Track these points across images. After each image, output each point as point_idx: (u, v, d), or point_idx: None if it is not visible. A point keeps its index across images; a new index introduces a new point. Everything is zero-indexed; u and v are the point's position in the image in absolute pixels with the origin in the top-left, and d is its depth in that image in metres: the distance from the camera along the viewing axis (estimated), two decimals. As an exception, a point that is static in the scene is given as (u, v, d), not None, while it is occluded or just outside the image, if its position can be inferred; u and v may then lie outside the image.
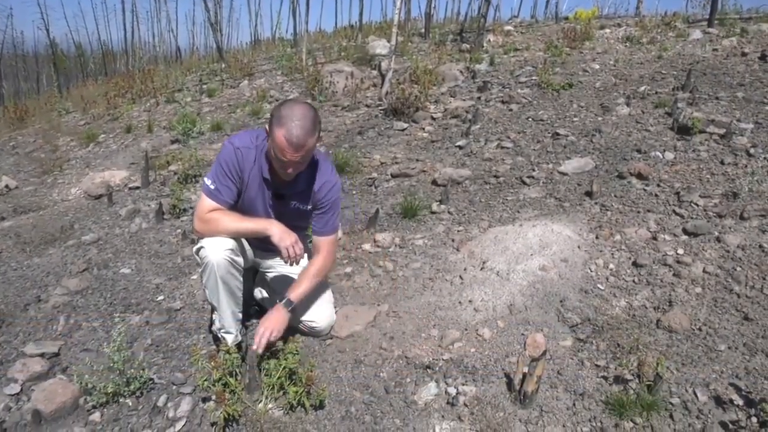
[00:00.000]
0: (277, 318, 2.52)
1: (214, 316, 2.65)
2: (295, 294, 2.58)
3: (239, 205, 2.54)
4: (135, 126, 8.12)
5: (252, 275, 2.99)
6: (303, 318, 2.78)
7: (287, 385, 2.39)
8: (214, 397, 2.30)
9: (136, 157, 6.53)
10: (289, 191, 2.57)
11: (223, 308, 2.55)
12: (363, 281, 3.34)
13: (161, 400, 2.50)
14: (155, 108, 9.28)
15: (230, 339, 2.63)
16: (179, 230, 4.38)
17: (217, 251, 2.40)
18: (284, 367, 2.40)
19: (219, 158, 2.46)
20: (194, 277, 3.63)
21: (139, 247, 4.21)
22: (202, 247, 2.43)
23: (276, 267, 2.89)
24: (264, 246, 2.77)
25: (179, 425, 2.36)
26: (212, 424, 2.33)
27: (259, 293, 3.06)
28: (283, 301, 2.56)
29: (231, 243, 2.44)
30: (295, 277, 2.81)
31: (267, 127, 2.38)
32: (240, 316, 2.66)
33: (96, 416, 2.43)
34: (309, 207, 2.63)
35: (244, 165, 2.46)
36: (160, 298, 3.43)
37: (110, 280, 3.70)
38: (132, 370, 2.55)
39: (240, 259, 2.51)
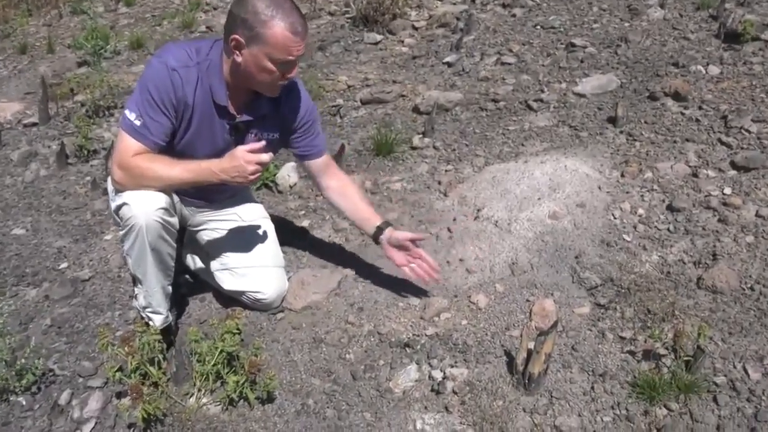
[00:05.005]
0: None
1: (137, 289, 2.58)
2: (377, 215, 2.78)
3: (175, 147, 2.42)
4: (31, 45, 7.91)
5: (178, 234, 2.88)
6: (245, 288, 2.74)
7: (225, 373, 2.36)
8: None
9: (33, 85, 6.36)
10: (251, 117, 2.48)
11: (152, 283, 2.48)
12: (324, 237, 3.30)
13: (63, 397, 2.46)
14: (57, 21, 9.02)
15: (159, 320, 2.57)
16: (88, 178, 4.28)
17: (147, 210, 2.29)
18: (221, 351, 2.35)
19: (145, 82, 2.29)
20: (107, 237, 3.58)
21: (36, 200, 4.13)
22: (125, 204, 2.30)
23: (210, 224, 2.83)
24: (197, 195, 2.70)
25: (87, 428, 2.33)
26: (129, 426, 2.30)
27: (192, 261, 3.01)
28: (379, 229, 2.70)
29: (163, 199, 2.33)
30: (233, 234, 2.79)
31: (234, 35, 2.24)
32: (170, 290, 2.60)
33: (-22, 419, 2.39)
34: (276, 135, 2.58)
35: (185, 91, 2.31)
36: (64, 265, 3.37)
37: (-2, 244, 3.63)
38: (24, 360, 2.50)
39: (175, 220, 2.43)
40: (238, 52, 2.26)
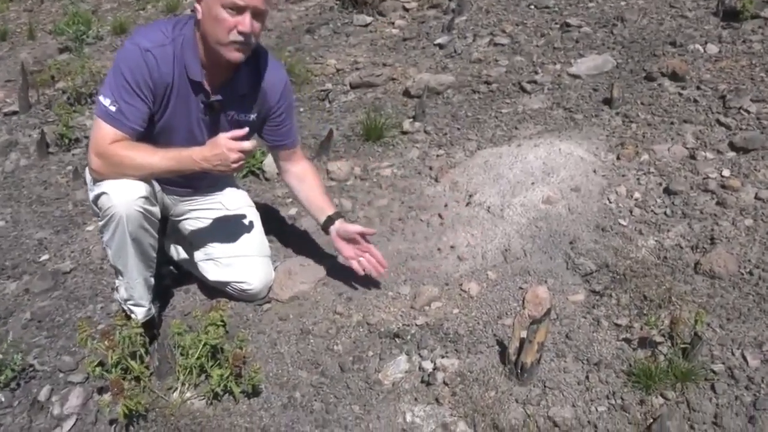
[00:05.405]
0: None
1: (118, 281, 2.55)
2: (331, 205, 2.77)
3: (152, 133, 2.38)
4: (12, 31, 7.86)
5: (161, 224, 2.86)
6: (230, 278, 2.72)
7: (209, 367, 2.34)
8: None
9: (13, 73, 6.33)
10: (227, 96, 2.44)
11: (133, 274, 2.45)
12: (312, 225, 3.24)
13: (43, 393, 2.45)
14: (39, 6, 8.95)
15: (141, 313, 2.55)
16: (69, 167, 4.26)
17: (126, 200, 2.25)
18: (204, 344, 2.33)
19: (119, 66, 2.25)
20: (89, 228, 3.56)
21: (17, 191, 4.11)
22: (103, 193, 2.27)
23: (193, 213, 2.81)
24: (179, 182, 2.66)
25: (67, 425, 2.32)
26: (111, 422, 2.28)
27: (175, 251, 2.98)
28: (330, 219, 2.69)
29: (143, 188, 2.29)
30: (217, 224, 2.76)
31: None
32: (152, 282, 2.57)
33: (-45, 417, 2.38)
34: (253, 116, 2.54)
35: (161, 72, 2.27)
36: (44, 257, 3.36)
37: (-24, 237, 3.61)
38: (3, 355, 2.50)
39: (156, 210, 2.39)
40: (198, 7, 2.25)
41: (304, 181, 2.76)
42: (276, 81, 2.54)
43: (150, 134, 2.36)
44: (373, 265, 2.68)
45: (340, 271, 2.90)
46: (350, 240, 2.68)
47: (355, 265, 2.70)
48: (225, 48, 2.23)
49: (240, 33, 2.20)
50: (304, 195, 2.77)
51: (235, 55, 2.26)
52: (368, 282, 2.79)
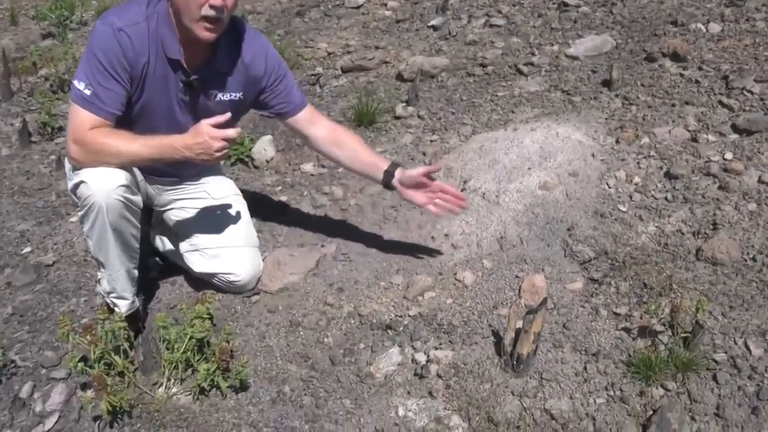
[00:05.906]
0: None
1: (100, 273, 2.53)
2: (381, 158, 2.72)
3: (131, 115, 2.36)
4: (-7, 17, 7.78)
5: (146, 215, 2.84)
6: (217, 270, 2.70)
7: (196, 361, 2.33)
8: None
9: (-6, 59, 6.26)
10: (207, 75, 2.41)
11: (115, 266, 2.43)
12: (302, 214, 3.28)
13: (25, 390, 2.43)
14: (21, -9, 8.85)
15: (124, 306, 2.53)
16: (53, 157, 4.23)
17: (106, 188, 2.23)
18: (190, 337, 2.32)
19: (92, 48, 2.22)
20: (73, 219, 3.53)
21: (-3, 181, 4.08)
22: (82, 182, 2.24)
23: (178, 203, 2.79)
24: (163, 172, 2.64)
25: (50, 422, 2.30)
26: (95, 419, 2.26)
27: (161, 242, 2.96)
28: (388, 173, 2.62)
29: (124, 176, 2.26)
30: (202, 213, 2.74)
31: None
32: (136, 273, 2.55)
33: (-67, 416, 2.36)
34: (239, 95, 2.51)
35: (135, 52, 2.24)
36: (26, 250, 3.34)
37: (-44, 229, 3.58)
38: None
39: (137, 199, 2.37)
40: None
41: (340, 144, 2.67)
42: (256, 50, 2.50)
43: (129, 117, 2.33)
44: (451, 203, 2.62)
45: (331, 261, 2.90)
46: (417, 185, 2.61)
47: (433, 209, 2.63)
48: (196, 25, 2.19)
49: (212, 7, 2.15)
50: (348, 158, 2.69)
51: (206, 35, 2.22)
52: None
